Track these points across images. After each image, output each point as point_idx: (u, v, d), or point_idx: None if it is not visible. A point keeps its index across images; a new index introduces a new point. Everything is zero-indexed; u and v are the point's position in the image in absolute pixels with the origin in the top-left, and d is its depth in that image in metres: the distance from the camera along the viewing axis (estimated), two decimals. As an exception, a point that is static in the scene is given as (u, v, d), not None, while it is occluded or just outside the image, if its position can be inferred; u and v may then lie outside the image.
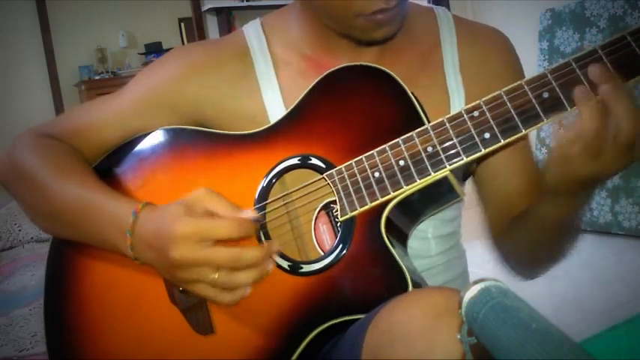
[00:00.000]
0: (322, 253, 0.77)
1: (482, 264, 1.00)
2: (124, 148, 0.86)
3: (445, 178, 0.70)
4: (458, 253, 0.92)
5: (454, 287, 0.87)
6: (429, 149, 0.70)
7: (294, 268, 0.74)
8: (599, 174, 0.65)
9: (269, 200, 0.77)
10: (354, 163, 0.73)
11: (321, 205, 0.78)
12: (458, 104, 0.84)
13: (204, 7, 4.69)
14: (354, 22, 0.75)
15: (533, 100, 0.66)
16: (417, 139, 0.70)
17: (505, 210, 0.86)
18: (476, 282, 0.48)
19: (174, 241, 0.66)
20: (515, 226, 0.83)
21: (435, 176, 0.69)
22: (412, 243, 0.83)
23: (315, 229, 0.78)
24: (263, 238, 0.76)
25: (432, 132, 0.70)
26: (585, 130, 0.61)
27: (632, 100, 0.61)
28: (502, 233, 0.87)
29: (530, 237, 0.81)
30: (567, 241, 0.84)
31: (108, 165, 0.86)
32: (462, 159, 0.68)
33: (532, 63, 2.97)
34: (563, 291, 2.26)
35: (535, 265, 0.88)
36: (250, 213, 0.69)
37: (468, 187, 0.91)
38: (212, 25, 4.79)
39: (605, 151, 0.62)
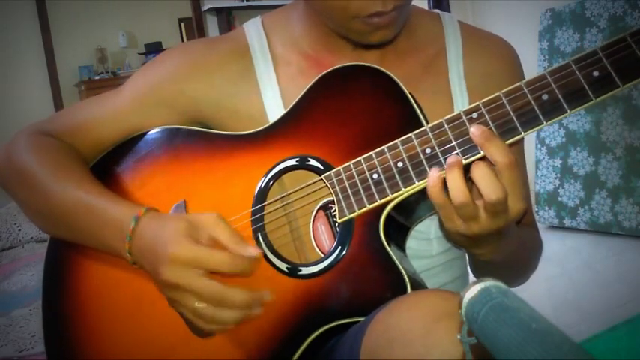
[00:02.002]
0: (321, 254, 0.77)
1: (482, 264, 1.00)
2: (122, 147, 0.85)
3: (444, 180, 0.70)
4: (458, 254, 0.92)
5: (454, 288, 0.88)
6: (428, 151, 0.69)
7: (293, 271, 0.74)
8: (482, 232, 0.66)
9: (267, 202, 0.77)
10: (352, 165, 0.72)
11: (320, 205, 0.78)
12: None
13: (204, 7, 4.70)
14: (351, 24, 0.74)
15: (533, 102, 0.66)
16: (415, 141, 0.70)
17: None
18: (476, 282, 0.48)
19: (166, 261, 0.65)
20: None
21: None
22: (414, 243, 0.83)
23: (313, 231, 0.78)
24: (261, 240, 0.76)
25: (430, 134, 0.69)
26: (454, 198, 0.63)
27: (491, 166, 0.63)
28: None
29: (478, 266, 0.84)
30: (517, 269, 0.86)
31: (105, 165, 0.86)
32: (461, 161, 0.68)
33: (532, 63, 2.97)
34: (563, 291, 2.26)
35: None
36: (252, 249, 0.67)
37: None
38: (212, 25, 4.79)
39: (479, 215, 0.64)
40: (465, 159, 0.67)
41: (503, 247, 0.72)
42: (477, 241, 0.69)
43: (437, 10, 0.93)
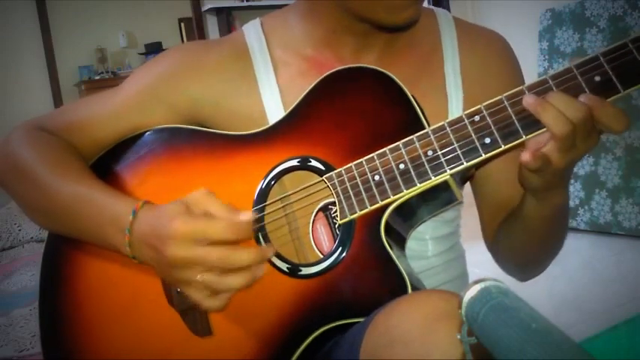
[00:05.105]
0: (320, 255, 0.77)
1: (482, 264, 1.00)
2: (122, 146, 0.85)
3: (445, 182, 0.70)
4: (457, 254, 0.92)
5: (453, 288, 0.88)
6: (430, 153, 0.69)
7: (293, 271, 0.74)
8: (572, 161, 0.67)
9: (268, 202, 0.77)
10: (354, 166, 0.73)
11: (319, 206, 0.78)
12: (456, 107, 0.84)
13: (204, 7, 4.70)
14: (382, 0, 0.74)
15: None
16: (417, 143, 0.70)
17: (496, 214, 0.87)
18: (476, 282, 0.48)
19: (170, 239, 0.66)
20: (504, 229, 0.84)
21: (435, 180, 0.69)
22: (410, 244, 0.83)
23: (312, 231, 0.78)
24: (262, 240, 0.76)
25: (432, 136, 0.70)
26: (555, 133, 0.64)
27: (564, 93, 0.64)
28: (494, 236, 0.87)
29: (520, 238, 0.82)
30: (556, 238, 0.85)
31: (105, 163, 0.85)
32: (463, 163, 0.68)
33: (532, 63, 2.97)
34: (563, 291, 2.26)
35: (529, 265, 0.88)
36: (248, 215, 0.68)
37: (468, 186, 0.91)
38: (212, 25, 4.79)
39: (576, 143, 0.65)
40: (467, 161, 0.68)
41: (565, 194, 0.73)
42: (560, 179, 0.70)
43: (431, 7, 0.93)
